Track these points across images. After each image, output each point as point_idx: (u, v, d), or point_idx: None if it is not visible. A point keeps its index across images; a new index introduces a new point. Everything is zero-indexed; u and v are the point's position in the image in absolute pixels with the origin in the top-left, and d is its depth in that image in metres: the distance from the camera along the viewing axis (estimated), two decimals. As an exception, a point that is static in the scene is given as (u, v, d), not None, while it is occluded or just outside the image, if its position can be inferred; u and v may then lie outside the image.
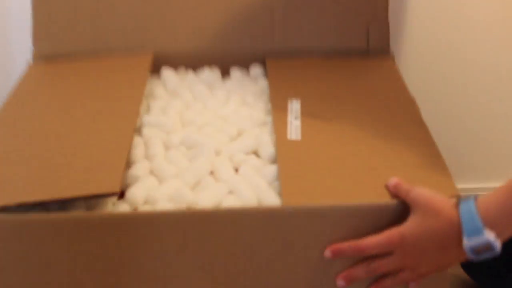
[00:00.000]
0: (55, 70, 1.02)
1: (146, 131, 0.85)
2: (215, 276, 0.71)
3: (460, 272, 1.15)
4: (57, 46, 1.05)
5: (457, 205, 0.67)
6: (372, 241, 0.69)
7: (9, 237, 0.68)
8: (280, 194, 0.72)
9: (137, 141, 0.83)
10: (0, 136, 0.82)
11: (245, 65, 1.05)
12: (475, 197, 0.67)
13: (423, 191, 0.68)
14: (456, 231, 0.66)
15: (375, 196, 0.71)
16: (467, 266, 1.14)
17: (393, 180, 0.71)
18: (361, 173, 0.75)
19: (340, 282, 0.71)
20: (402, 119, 0.87)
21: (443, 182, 0.73)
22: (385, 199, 0.70)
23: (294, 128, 0.84)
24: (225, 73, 1.04)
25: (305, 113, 0.87)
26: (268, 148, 0.81)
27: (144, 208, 0.73)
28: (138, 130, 0.87)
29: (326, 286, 0.72)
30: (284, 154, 0.78)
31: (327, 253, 0.70)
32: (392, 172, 0.74)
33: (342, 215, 0.69)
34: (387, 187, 0.71)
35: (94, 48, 1.04)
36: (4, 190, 0.71)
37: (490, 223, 0.65)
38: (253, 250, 0.70)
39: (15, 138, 0.82)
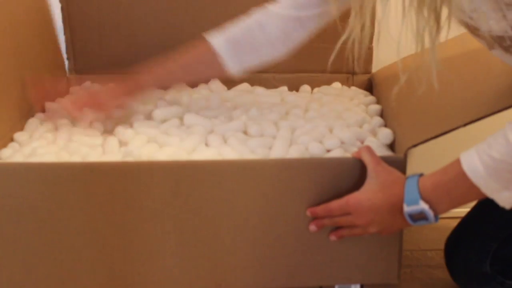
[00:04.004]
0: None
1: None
2: (203, 218, 0.85)
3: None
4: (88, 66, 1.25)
5: (406, 179, 0.81)
6: (335, 204, 0.84)
7: (39, 180, 0.83)
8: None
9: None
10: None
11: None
12: (421, 174, 0.81)
13: (387, 166, 0.83)
14: (402, 199, 0.80)
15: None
16: (461, 278, 1.17)
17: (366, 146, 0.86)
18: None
19: (312, 227, 0.86)
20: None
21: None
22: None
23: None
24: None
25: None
26: (256, 126, 0.98)
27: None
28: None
29: (295, 227, 0.86)
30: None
31: (308, 213, 0.85)
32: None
33: (308, 167, 0.84)
34: (357, 152, 0.85)
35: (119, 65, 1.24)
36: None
37: (425, 197, 0.79)
38: (235, 196, 0.84)
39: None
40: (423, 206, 0.78)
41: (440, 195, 0.79)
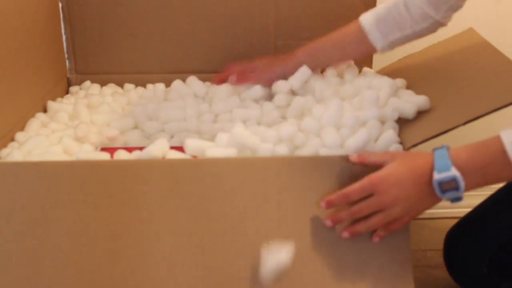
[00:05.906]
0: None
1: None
2: (201, 218, 0.85)
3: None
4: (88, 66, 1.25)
5: (433, 151, 0.79)
6: (355, 186, 0.79)
7: (37, 179, 0.83)
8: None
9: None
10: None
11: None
12: (448, 146, 0.79)
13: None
14: (429, 168, 0.77)
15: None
16: (459, 277, 1.18)
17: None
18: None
19: (327, 222, 0.81)
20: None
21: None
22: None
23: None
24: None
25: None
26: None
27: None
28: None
29: (297, 229, 0.85)
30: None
31: (322, 205, 0.80)
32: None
33: (310, 165, 0.83)
34: (354, 157, 0.82)
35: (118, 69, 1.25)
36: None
37: (458, 164, 0.76)
38: (235, 195, 0.84)
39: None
40: (455, 173, 0.76)
41: (476, 167, 0.77)
